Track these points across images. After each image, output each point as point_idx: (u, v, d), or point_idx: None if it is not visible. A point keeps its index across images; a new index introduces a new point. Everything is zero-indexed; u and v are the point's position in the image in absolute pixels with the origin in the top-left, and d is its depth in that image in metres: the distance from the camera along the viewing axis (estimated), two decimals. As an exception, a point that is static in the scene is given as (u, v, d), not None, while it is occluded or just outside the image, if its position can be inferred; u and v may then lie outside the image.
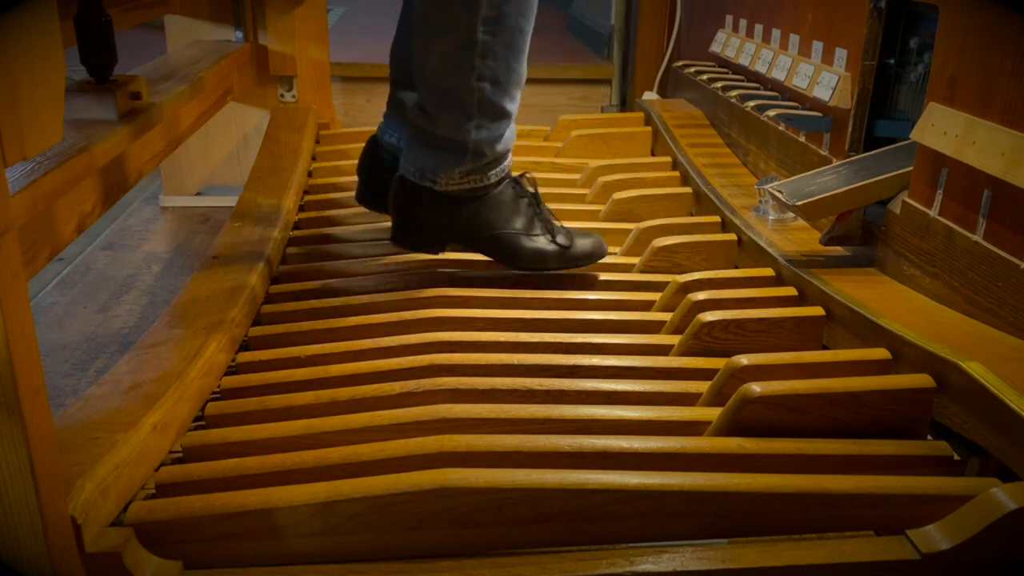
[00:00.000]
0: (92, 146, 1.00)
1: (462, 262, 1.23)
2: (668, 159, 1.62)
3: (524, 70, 1.10)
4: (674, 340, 1.02)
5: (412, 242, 1.18)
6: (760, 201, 1.30)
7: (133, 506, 0.71)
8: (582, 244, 1.18)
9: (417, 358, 0.95)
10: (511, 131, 1.14)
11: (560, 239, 1.16)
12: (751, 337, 1.00)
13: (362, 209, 1.45)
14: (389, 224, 1.28)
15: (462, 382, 0.89)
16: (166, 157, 1.43)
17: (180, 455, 0.82)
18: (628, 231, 1.33)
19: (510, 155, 1.16)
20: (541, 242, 1.16)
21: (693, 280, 1.12)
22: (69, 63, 0.78)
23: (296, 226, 1.41)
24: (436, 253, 1.19)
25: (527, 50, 1.09)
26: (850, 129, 1.19)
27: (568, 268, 1.18)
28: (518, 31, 1.06)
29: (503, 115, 1.10)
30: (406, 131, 1.18)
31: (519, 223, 1.15)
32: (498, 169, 1.14)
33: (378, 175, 1.29)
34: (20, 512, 0.56)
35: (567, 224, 1.23)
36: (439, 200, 1.13)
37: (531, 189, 1.18)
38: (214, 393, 0.94)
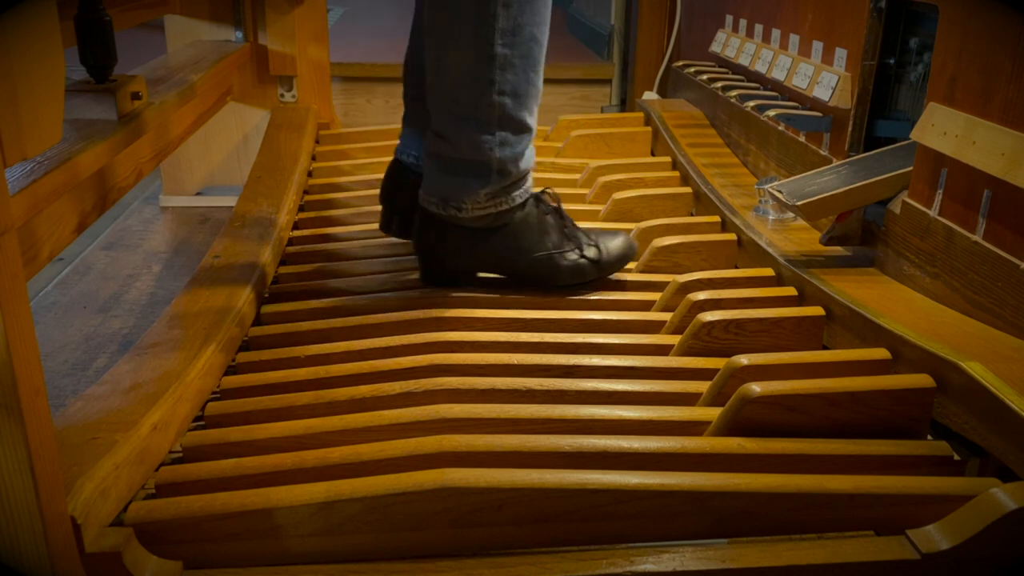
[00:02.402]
0: (92, 146, 1.00)
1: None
2: (668, 159, 1.62)
3: (541, 83, 1.07)
4: (674, 340, 1.02)
5: (444, 281, 1.14)
6: (760, 201, 1.30)
7: (133, 506, 0.71)
8: (613, 249, 1.15)
9: (417, 358, 0.95)
10: (531, 149, 1.10)
11: (590, 252, 1.13)
12: (751, 337, 1.00)
13: (362, 209, 1.45)
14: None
15: (462, 382, 0.89)
16: (166, 157, 1.43)
17: (180, 455, 0.82)
18: (628, 231, 1.33)
19: (531, 175, 1.12)
20: (574, 257, 1.12)
21: (693, 280, 1.12)
22: (69, 63, 0.78)
23: (296, 226, 1.41)
24: (470, 285, 1.15)
25: (543, 61, 1.06)
26: (850, 129, 1.19)
27: (604, 275, 1.15)
28: (534, 42, 1.03)
29: (524, 129, 1.07)
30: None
31: (550, 242, 1.11)
32: (521, 190, 1.10)
33: (402, 200, 1.24)
34: (20, 512, 0.56)
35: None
36: (466, 232, 1.10)
37: (553, 204, 1.14)
38: (214, 393, 0.94)
